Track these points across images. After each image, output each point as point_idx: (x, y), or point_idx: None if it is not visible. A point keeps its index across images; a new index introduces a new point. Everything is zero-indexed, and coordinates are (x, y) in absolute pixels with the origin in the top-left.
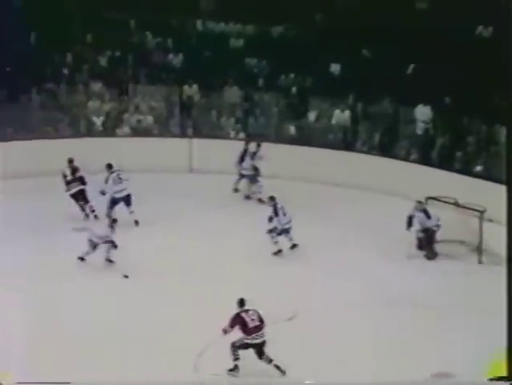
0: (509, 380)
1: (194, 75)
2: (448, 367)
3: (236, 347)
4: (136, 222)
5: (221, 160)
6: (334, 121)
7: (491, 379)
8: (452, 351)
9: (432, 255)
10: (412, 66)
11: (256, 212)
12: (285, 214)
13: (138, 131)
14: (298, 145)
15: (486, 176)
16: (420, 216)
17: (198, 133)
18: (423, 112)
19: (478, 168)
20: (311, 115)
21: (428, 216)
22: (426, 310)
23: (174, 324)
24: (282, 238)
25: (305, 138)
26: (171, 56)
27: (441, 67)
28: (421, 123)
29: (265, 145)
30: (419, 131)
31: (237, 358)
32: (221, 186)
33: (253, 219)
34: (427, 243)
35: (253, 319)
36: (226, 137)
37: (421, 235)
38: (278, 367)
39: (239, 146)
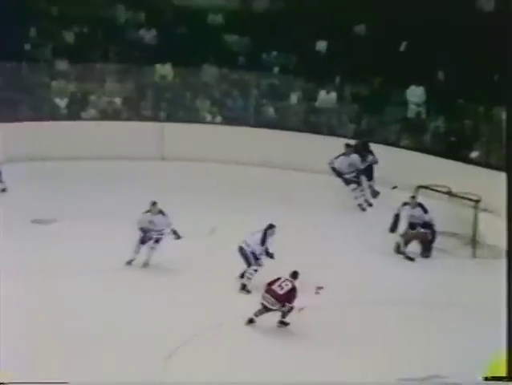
0: (509, 380)
1: (168, 53)
2: (439, 369)
3: None
4: None
5: (196, 147)
6: (318, 103)
7: (491, 379)
8: (444, 352)
9: (429, 253)
10: (404, 43)
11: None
12: None
13: (106, 115)
14: (278, 129)
15: (483, 162)
16: (415, 212)
17: (171, 117)
18: (415, 94)
19: (474, 154)
20: (293, 97)
21: (425, 210)
22: (417, 308)
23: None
24: None
25: (285, 121)
26: (143, 32)
27: (436, 45)
28: (413, 105)
29: (243, 129)
30: (410, 114)
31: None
32: (195, 175)
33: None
34: (429, 241)
35: (280, 286)
36: (202, 121)
37: (422, 231)
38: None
39: (215, 131)
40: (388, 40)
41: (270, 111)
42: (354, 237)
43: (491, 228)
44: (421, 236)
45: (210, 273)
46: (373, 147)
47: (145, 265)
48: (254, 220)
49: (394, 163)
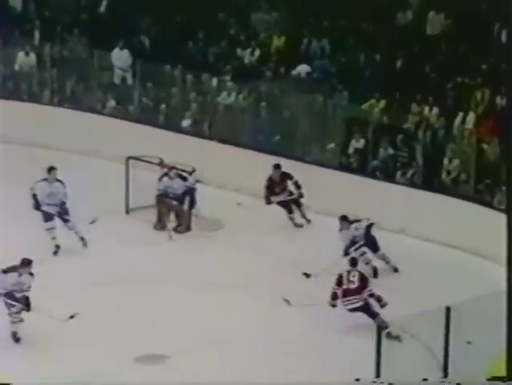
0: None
1: None
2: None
3: None
4: None
5: None
6: (17, 67)
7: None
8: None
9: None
10: (104, 3)
11: None
12: None
13: None
14: None
15: (196, 131)
16: (174, 183)
17: None
18: (120, 57)
19: (186, 123)
20: None
21: (184, 178)
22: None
23: None
24: None
25: None
26: None
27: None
28: (118, 70)
29: None
30: (116, 80)
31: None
32: None
33: None
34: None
35: (349, 281)
36: None
37: (174, 203)
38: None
39: None
40: None
41: None
42: None
43: (209, 200)
44: (178, 206)
45: None
46: (79, 116)
47: None
48: None
49: (100, 132)
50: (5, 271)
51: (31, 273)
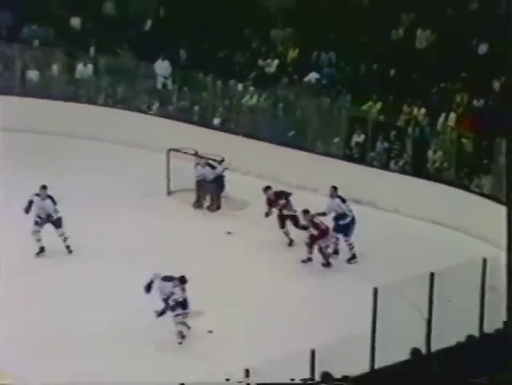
0: None
1: None
2: None
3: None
4: None
5: None
6: (78, 75)
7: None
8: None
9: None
10: (149, 22)
11: None
12: None
13: None
14: (43, 98)
15: (224, 128)
16: (205, 171)
17: None
18: (162, 67)
19: (216, 121)
20: (55, 68)
21: (213, 167)
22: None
23: None
24: None
25: (49, 91)
26: None
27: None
28: (160, 77)
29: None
30: (158, 86)
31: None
32: None
33: None
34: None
35: (321, 222)
36: None
37: (212, 185)
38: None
39: None
40: (135, 18)
41: (34, 81)
42: None
43: (236, 184)
44: (212, 189)
45: None
46: (125, 114)
47: None
48: None
49: (145, 128)
50: (164, 279)
51: (184, 289)
